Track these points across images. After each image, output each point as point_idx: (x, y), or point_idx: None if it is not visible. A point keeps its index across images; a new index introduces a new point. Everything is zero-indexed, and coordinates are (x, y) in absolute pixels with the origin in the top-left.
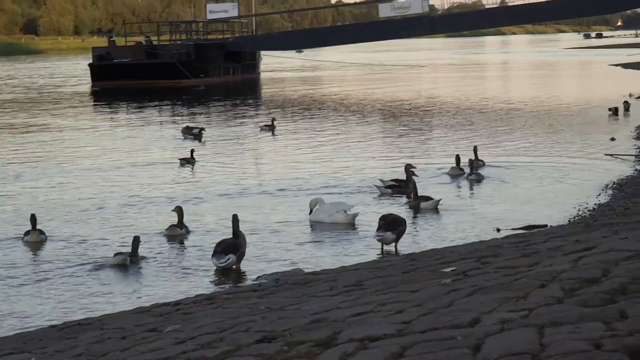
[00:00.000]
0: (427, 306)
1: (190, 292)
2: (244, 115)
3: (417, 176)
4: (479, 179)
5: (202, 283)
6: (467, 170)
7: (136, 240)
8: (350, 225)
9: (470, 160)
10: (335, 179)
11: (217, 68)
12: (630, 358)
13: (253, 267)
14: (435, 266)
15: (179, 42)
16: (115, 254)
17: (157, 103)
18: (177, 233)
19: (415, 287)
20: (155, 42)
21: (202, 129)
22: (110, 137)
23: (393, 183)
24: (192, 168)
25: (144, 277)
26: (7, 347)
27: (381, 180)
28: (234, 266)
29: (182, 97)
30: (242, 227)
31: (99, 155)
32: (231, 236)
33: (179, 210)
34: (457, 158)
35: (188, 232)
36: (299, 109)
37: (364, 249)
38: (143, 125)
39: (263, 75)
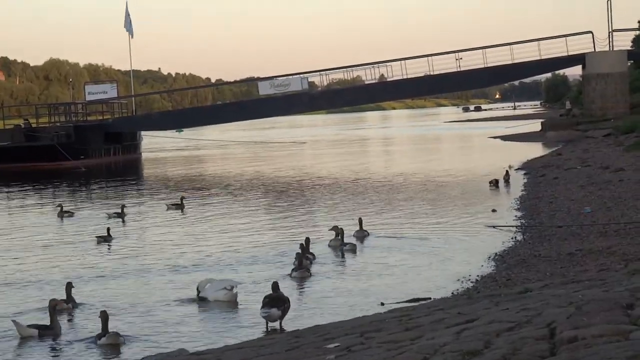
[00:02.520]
0: None
1: None
2: (130, 195)
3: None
4: (353, 249)
5: None
6: (348, 240)
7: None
8: (233, 303)
9: (340, 231)
10: (230, 254)
11: (97, 149)
12: None
13: (137, 347)
14: (319, 342)
15: (58, 124)
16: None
17: (39, 185)
18: (64, 307)
19: None
20: (34, 125)
21: (123, 206)
22: None
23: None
24: (109, 245)
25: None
26: None
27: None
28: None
29: (64, 179)
30: (127, 305)
31: None
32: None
33: (67, 286)
34: (336, 229)
35: (75, 306)
36: (190, 189)
37: (249, 326)
38: (28, 208)
39: (144, 155)
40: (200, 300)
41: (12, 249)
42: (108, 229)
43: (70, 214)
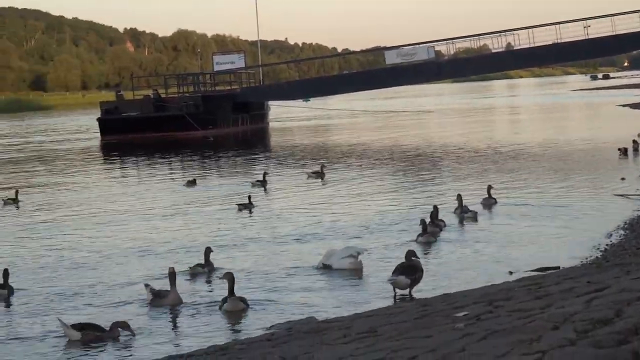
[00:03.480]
0: (441, 352)
1: (203, 344)
2: (263, 165)
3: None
4: (474, 217)
5: (216, 333)
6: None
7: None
8: (359, 270)
9: (459, 199)
10: (361, 222)
11: (225, 119)
12: None
13: (266, 315)
14: (448, 311)
15: (186, 95)
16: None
17: (169, 155)
18: (200, 272)
19: (428, 333)
20: (163, 95)
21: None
22: (132, 190)
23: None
24: (250, 212)
25: (156, 326)
26: None
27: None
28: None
29: (193, 148)
30: (253, 274)
31: (127, 206)
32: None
33: (206, 250)
34: (459, 197)
35: (212, 270)
36: (320, 158)
37: (377, 294)
38: (162, 177)
39: (272, 124)
40: (326, 268)
41: (153, 217)
42: (249, 197)
43: (203, 182)
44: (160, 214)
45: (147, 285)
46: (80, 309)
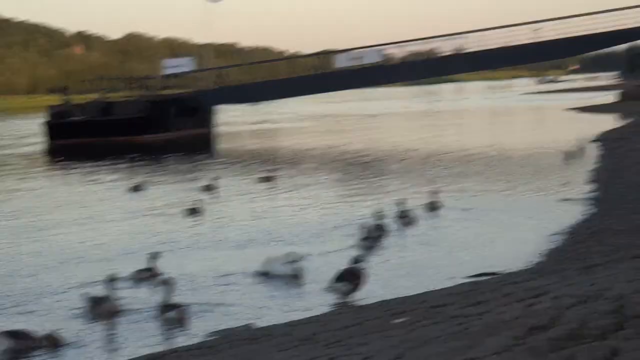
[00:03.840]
0: (378, 359)
1: (137, 352)
2: (213, 169)
3: None
4: (412, 221)
5: (154, 341)
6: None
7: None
8: (299, 276)
9: (401, 203)
10: (305, 227)
11: (174, 123)
12: None
13: (205, 322)
14: (386, 317)
15: (134, 98)
16: None
17: (116, 160)
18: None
19: (364, 340)
20: (111, 99)
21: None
22: (77, 194)
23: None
24: (198, 217)
25: (93, 334)
26: None
27: None
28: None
29: (141, 152)
30: (196, 280)
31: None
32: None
33: (151, 256)
34: (399, 202)
35: (158, 275)
36: (268, 163)
37: (318, 301)
38: (108, 182)
39: (221, 128)
40: (266, 274)
41: (98, 222)
42: (198, 202)
43: (149, 187)
44: (105, 219)
45: (85, 293)
46: (14, 317)
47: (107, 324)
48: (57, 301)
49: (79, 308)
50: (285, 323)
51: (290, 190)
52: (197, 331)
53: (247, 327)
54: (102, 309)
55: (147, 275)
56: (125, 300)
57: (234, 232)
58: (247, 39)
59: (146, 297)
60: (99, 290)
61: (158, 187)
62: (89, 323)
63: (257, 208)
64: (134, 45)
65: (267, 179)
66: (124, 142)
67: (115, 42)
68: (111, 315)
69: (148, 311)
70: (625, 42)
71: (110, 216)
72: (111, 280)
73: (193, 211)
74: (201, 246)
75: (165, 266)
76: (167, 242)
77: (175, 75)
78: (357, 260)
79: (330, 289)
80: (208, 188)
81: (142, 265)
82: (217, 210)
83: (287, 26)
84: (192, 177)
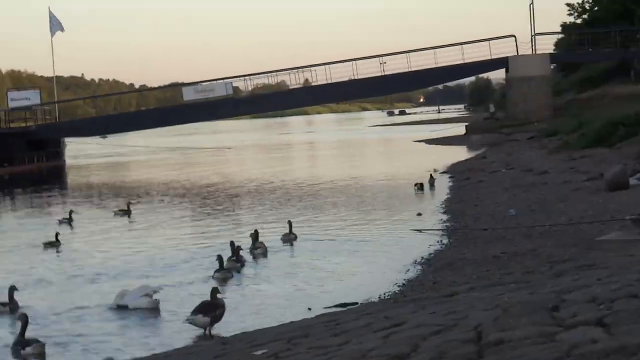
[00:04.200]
0: None
1: None
2: (66, 203)
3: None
4: (264, 253)
5: None
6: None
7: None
8: (155, 309)
9: (254, 235)
10: (161, 260)
11: (20, 156)
12: None
13: (61, 358)
14: (246, 350)
15: None
16: None
17: None
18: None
19: None
20: None
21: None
22: None
23: None
24: (56, 251)
25: None
26: None
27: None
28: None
29: None
30: (52, 315)
31: None
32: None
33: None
34: (252, 234)
35: (16, 309)
36: (121, 195)
37: (177, 333)
38: None
39: (69, 162)
40: (121, 308)
41: None
42: (57, 234)
43: (4, 222)
44: None
45: None
46: None
47: None
48: None
49: None
50: (145, 357)
51: (147, 223)
52: None
53: None
54: None
55: (3, 310)
56: None
57: (91, 265)
58: (95, 72)
59: (7, 331)
60: None
61: (11, 221)
62: None
63: (115, 241)
64: None
65: (124, 212)
66: None
67: None
68: None
69: (6, 346)
70: (469, 76)
71: None
72: None
73: (50, 245)
74: (59, 280)
75: (23, 301)
76: (24, 276)
77: (20, 108)
78: (215, 292)
79: (189, 321)
80: (64, 221)
81: (4, 298)
82: (75, 244)
83: (136, 59)
84: (45, 211)
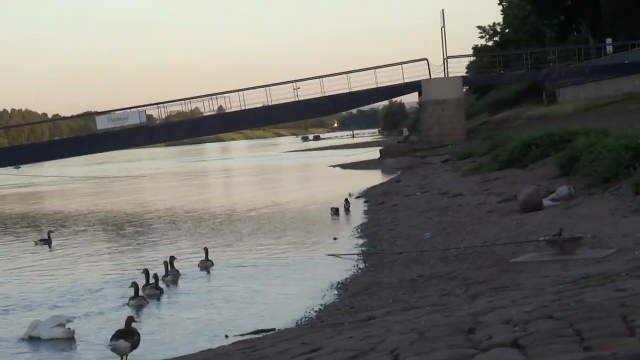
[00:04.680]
0: None
1: None
2: None
3: None
4: (175, 281)
5: None
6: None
7: None
8: (70, 339)
9: (166, 263)
10: (75, 289)
11: None
12: None
13: None
14: None
15: None
16: None
17: None
18: None
19: None
20: None
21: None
22: None
23: None
24: None
25: None
26: None
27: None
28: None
29: None
30: None
31: None
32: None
33: None
34: (165, 262)
35: None
36: (39, 226)
37: None
38: None
39: None
40: (34, 340)
41: None
42: None
43: None
44: None
45: None
46: None
47: None
48: None
49: None
50: None
51: (64, 252)
52: None
53: None
54: None
55: None
56: None
57: (6, 294)
58: (6, 102)
59: None
60: None
61: None
62: None
63: (32, 270)
64: None
65: (44, 241)
66: None
67: None
68: None
69: None
70: (382, 100)
71: None
72: None
73: None
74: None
75: None
76: None
77: None
78: (131, 319)
79: (111, 347)
80: None
81: None
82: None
83: (47, 88)
84: None
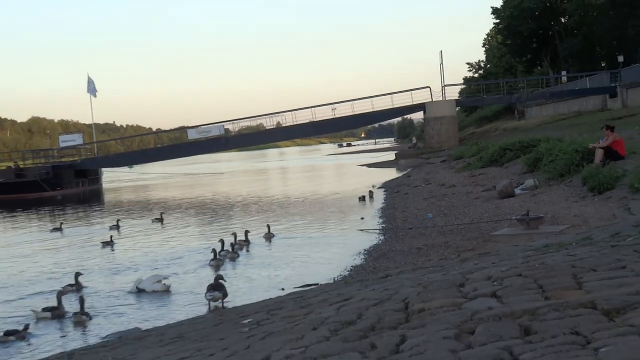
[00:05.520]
0: (232, 349)
1: (54, 351)
2: (99, 216)
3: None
4: (247, 247)
5: (61, 342)
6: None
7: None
8: (166, 292)
9: (234, 235)
10: (172, 254)
11: (69, 182)
12: None
13: (101, 327)
14: (237, 319)
15: (39, 165)
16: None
17: (30, 210)
18: (68, 290)
19: (222, 336)
20: (21, 166)
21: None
22: None
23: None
24: (111, 249)
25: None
26: None
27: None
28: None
29: (47, 205)
30: (95, 295)
31: None
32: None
33: (75, 275)
34: (235, 235)
35: (80, 289)
36: (152, 209)
37: (183, 309)
38: (30, 226)
39: (105, 185)
40: (140, 291)
41: (26, 256)
42: (111, 236)
43: (65, 229)
44: (34, 253)
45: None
46: None
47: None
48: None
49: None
50: (162, 326)
51: (174, 228)
52: (97, 334)
53: (134, 330)
54: (50, 314)
55: (71, 290)
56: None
57: (134, 259)
58: (123, 119)
59: (71, 305)
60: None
61: (72, 228)
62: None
63: (153, 241)
64: (37, 125)
65: (158, 220)
66: (34, 199)
67: (23, 124)
68: (60, 316)
69: (67, 318)
70: (397, 117)
71: (39, 250)
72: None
73: (106, 244)
74: (111, 269)
75: (87, 283)
76: (90, 264)
77: (69, 147)
78: (219, 277)
79: (210, 296)
80: (113, 227)
81: (69, 281)
82: (125, 243)
83: (152, 109)
84: (93, 221)
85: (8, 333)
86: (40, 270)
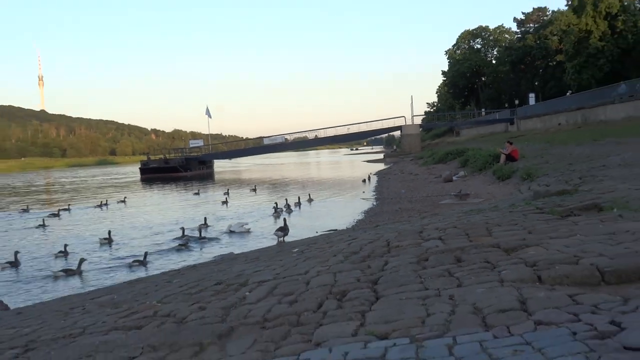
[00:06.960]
0: (286, 266)
1: (185, 263)
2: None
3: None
4: (298, 206)
5: (190, 260)
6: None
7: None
8: (248, 232)
9: (286, 202)
10: (251, 210)
11: (195, 167)
12: (372, 285)
13: (212, 252)
14: (290, 249)
15: (178, 157)
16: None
17: (172, 183)
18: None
19: (281, 258)
20: (169, 157)
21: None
22: (158, 202)
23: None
24: (226, 207)
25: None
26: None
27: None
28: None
29: (183, 180)
30: (223, 235)
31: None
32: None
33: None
34: (286, 200)
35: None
36: (248, 183)
37: (259, 243)
38: (178, 192)
39: (216, 170)
40: (232, 232)
41: (172, 209)
42: (226, 198)
43: (201, 192)
44: (178, 207)
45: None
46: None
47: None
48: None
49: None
50: (245, 252)
51: (260, 194)
52: (207, 257)
53: (230, 253)
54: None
55: (203, 229)
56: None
57: (237, 210)
58: (227, 130)
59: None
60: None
61: (204, 192)
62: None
63: (247, 203)
64: (177, 134)
65: (253, 190)
66: (175, 176)
67: (168, 133)
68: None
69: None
70: (384, 133)
71: (180, 206)
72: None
73: (223, 203)
74: (225, 217)
75: (212, 226)
76: (212, 217)
77: (195, 147)
78: (285, 221)
79: (277, 234)
80: (226, 194)
81: (200, 222)
82: (234, 202)
83: (246, 119)
84: (215, 190)
85: (135, 262)
86: (184, 216)
